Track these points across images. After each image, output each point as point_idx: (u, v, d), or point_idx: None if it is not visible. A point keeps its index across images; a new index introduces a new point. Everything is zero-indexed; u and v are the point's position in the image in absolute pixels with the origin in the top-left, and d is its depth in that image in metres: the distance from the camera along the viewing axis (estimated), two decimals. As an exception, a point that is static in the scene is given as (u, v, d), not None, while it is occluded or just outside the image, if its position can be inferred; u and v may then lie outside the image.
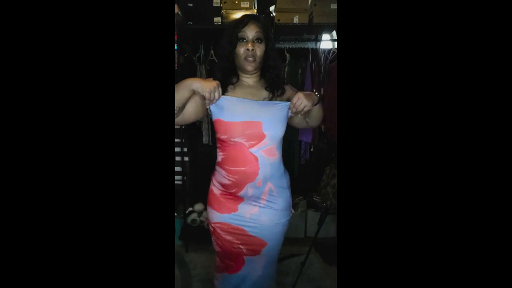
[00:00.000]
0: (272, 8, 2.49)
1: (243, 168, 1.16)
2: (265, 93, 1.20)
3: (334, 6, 2.31)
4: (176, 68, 2.27)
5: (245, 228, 1.23)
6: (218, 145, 1.22)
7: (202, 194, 2.69)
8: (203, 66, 2.57)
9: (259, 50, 1.15)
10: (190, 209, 2.60)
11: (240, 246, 1.25)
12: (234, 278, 1.30)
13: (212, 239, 1.31)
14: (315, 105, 1.14)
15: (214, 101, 1.11)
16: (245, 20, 1.14)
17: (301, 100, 1.09)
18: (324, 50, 2.67)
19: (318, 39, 2.77)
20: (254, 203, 1.21)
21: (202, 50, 2.58)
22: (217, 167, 1.24)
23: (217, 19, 2.38)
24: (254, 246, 1.25)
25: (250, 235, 1.23)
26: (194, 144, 2.82)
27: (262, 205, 1.21)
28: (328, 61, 2.63)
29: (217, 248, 1.30)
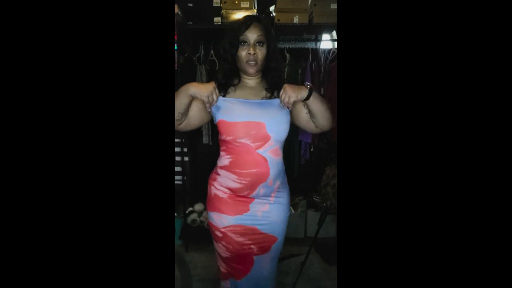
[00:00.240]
0: (272, 8, 2.49)
1: (255, 170, 1.16)
2: (265, 94, 1.21)
3: (334, 6, 2.31)
4: (176, 68, 2.27)
5: (258, 227, 1.23)
6: (223, 147, 1.21)
7: (202, 194, 2.69)
8: (203, 66, 2.56)
9: (261, 53, 1.15)
10: (190, 209, 2.60)
11: (252, 246, 1.24)
12: (242, 283, 1.29)
13: (220, 245, 1.26)
14: (306, 99, 1.10)
15: (213, 103, 1.12)
16: (247, 22, 1.14)
17: (285, 93, 1.09)
18: (324, 50, 2.67)
19: (318, 39, 2.77)
20: (264, 200, 1.21)
21: (202, 50, 2.58)
22: (223, 171, 1.21)
23: (217, 19, 2.38)
24: (266, 243, 1.25)
25: (262, 233, 1.23)
26: (194, 144, 2.82)
27: (271, 201, 1.22)
28: (328, 61, 2.63)
29: (225, 254, 1.26)
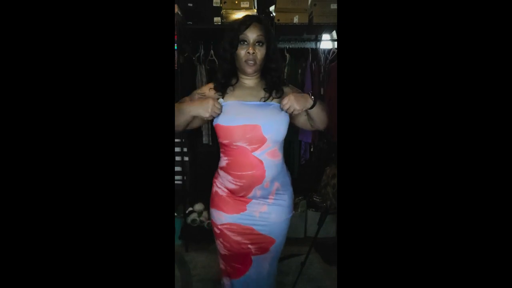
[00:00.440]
0: (272, 8, 2.49)
1: (250, 172, 1.16)
2: (263, 94, 1.20)
3: (334, 6, 2.31)
4: (176, 68, 2.27)
5: (255, 227, 1.23)
6: (222, 149, 1.22)
7: (202, 194, 2.70)
8: (203, 66, 2.57)
9: (260, 53, 1.14)
10: (190, 209, 2.60)
11: (249, 246, 1.25)
12: (241, 282, 1.30)
13: (218, 242, 1.29)
14: (310, 108, 1.12)
15: (216, 114, 1.12)
16: (247, 21, 1.14)
17: (290, 103, 1.09)
18: (324, 50, 2.67)
19: (318, 39, 2.77)
20: (262, 201, 1.21)
21: (202, 50, 2.58)
22: (222, 172, 1.23)
23: (217, 19, 2.38)
24: (263, 244, 1.25)
25: (259, 234, 1.24)
26: (194, 144, 2.82)
27: (270, 203, 1.22)
28: (328, 61, 2.63)
29: (224, 251, 1.28)
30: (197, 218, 2.55)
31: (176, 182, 2.54)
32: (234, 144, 1.15)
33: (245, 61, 1.14)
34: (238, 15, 2.29)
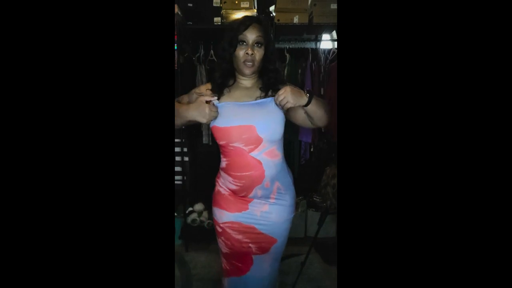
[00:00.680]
0: (272, 8, 2.49)
1: (248, 173, 1.16)
2: (259, 94, 1.20)
3: (334, 6, 2.31)
4: (176, 68, 2.27)
5: (256, 226, 1.23)
6: (221, 150, 1.23)
7: (202, 194, 2.71)
8: (203, 66, 2.57)
9: (259, 54, 1.14)
10: (190, 209, 2.61)
11: (250, 245, 1.25)
12: (242, 281, 1.30)
13: (220, 240, 1.29)
14: (305, 106, 1.11)
15: (213, 118, 1.13)
16: (246, 22, 1.13)
17: (285, 94, 1.07)
18: (324, 50, 2.67)
19: (318, 39, 2.77)
20: (264, 201, 1.22)
21: (202, 50, 2.58)
22: (223, 173, 1.24)
23: (217, 19, 2.38)
24: (265, 244, 1.26)
25: (261, 233, 1.24)
26: (194, 144, 2.82)
27: (272, 202, 1.22)
28: (328, 61, 2.62)
29: (225, 250, 1.29)
30: (197, 218, 2.55)
31: (176, 182, 2.54)
32: (231, 145, 1.15)
33: (244, 61, 1.14)
34: (238, 15, 2.29)
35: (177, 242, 2.50)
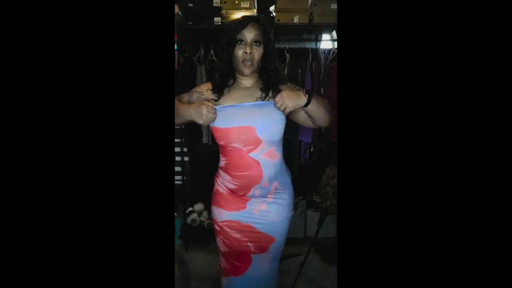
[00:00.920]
0: (272, 8, 2.49)
1: (247, 173, 1.17)
2: (259, 94, 1.19)
3: (334, 6, 2.31)
4: (176, 68, 2.27)
5: (254, 225, 1.24)
6: (220, 150, 1.23)
7: (202, 194, 2.70)
8: (203, 66, 2.57)
9: (257, 53, 1.14)
10: (190, 209, 2.60)
11: (249, 244, 1.25)
12: (241, 280, 1.30)
13: (218, 239, 1.30)
14: (304, 106, 1.11)
15: (211, 120, 1.13)
16: (244, 21, 1.13)
17: (282, 101, 1.09)
18: (324, 50, 2.67)
19: (318, 39, 2.77)
20: (262, 200, 1.22)
21: (202, 50, 2.58)
22: (221, 172, 1.25)
23: (217, 19, 2.38)
24: (263, 242, 1.26)
25: (259, 232, 1.24)
26: (194, 144, 2.82)
27: (270, 201, 1.23)
28: (328, 61, 2.62)
29: (223, 249, 1.29)
30: (197, 218, 2.55)
31: (176, 182, 2.54)
32: (230, 145, 1.16)
33: (243, 61, 1.14)
34: (238, 15, 2.29)
35: (177, 242, 2.51)
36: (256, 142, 1.14)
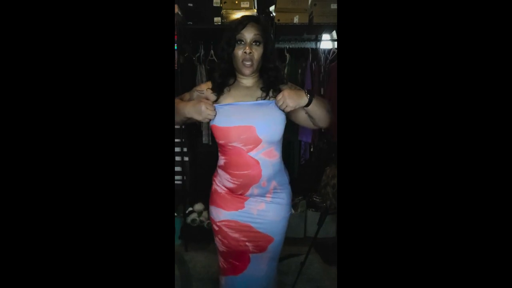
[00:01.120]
0: (272, 8, 2.49)
1: (246, 172, 1.17)
2: (260, 93, 1.20)
3: (334, 6, 2.31)
4: (176, 68, 2.27)
5: (253, 225, 1.24)
6: (219, 149, 1.23)
7: (202, 194, 2.70)
8: (203, 66, 2.57)
9: (257, 53, 1.14)
10: (190, 209, 2.60)
11: (247, 243, 1.26)
12: (239, 280, 1.30)
13: (217, 239, 1.30)
14: (306, 106, 1.11)
15: (210, 117, 1.13)
16: (244, 21, 1.13)
17: (283, 100, 1.09)
18: (324, 50, 2.67)
19: (318, 39, 2.76)
20: (260, 199, 1.22)
21: (202, 50, 2.58)
22: (220, 171, 1.25)
23: (217, 19, 2.38)
24: (261, 242, 1.26)
25: (257, 232, 1.24)
26: (194, 144, 2.82)
27: (268, 201, 1.23)
28: (328, 61, 2.62)
29: (222, 248, 1.30)
30: (197, 218, 2.55)
31: (176, 182, 2.54)
32: (230, 144, 1.16)
33: (242, 61, 1.14)
34: (238, 15, 2.29)
35: (177, 242, 2.51)
36: (256, 142, 1.14)
